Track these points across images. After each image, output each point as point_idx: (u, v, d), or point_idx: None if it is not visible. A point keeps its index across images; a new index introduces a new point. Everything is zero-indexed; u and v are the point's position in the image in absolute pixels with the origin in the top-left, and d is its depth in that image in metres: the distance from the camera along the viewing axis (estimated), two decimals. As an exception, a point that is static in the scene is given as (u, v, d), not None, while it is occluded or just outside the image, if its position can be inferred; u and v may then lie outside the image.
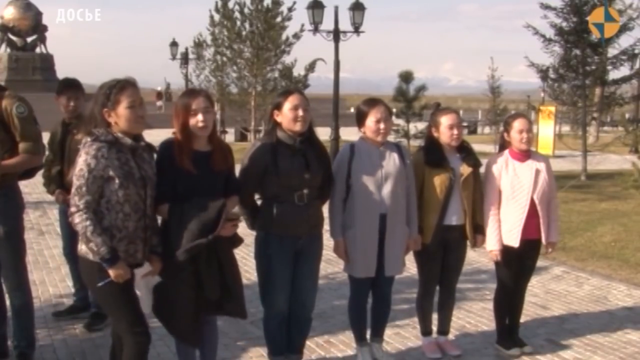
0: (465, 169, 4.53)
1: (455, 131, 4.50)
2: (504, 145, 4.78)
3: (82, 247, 3.32)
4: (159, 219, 3.65)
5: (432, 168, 4.50)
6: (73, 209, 3.22)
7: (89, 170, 3.19)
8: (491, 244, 4.62)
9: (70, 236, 5.00)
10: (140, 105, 3.37)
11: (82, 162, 3.22)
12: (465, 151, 4.61)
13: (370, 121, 4.26)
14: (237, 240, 3.86)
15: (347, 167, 4.25)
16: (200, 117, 3.59)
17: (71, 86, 5.12)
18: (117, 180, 3.23)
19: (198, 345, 3.87)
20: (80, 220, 3.20)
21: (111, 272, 3.26)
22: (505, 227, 4.61)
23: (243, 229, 4.14)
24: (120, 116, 3.30)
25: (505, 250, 4.61)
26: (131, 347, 3.37)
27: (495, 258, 4.65)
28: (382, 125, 4.24)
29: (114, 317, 3.47)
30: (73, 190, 3.23)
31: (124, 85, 3.33)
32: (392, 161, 4.29)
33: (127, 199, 3.28)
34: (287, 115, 3.97)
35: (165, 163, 3.62)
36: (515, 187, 4.58)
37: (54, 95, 5.14)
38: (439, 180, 4.47)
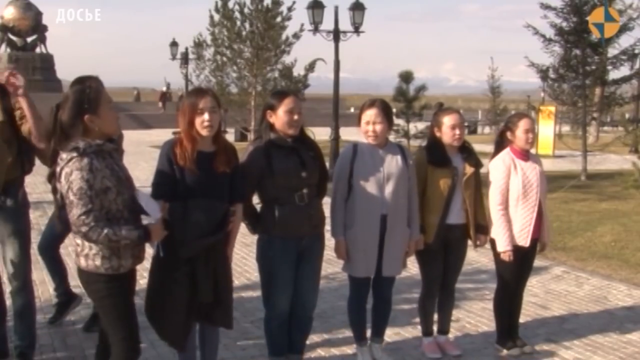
0: (467, 169, 4.54)
1: (457, 131, 4.51)
2: (501, 143, 4.78)
3: (89, 263, 3.22)
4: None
5: (435, 167, 4.50)
6: (84, 229, 3.07)
7: (89, 187, 3.06)
8: (503, 245, 4.60)
9: (52, 235, 5.07)
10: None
11: (79, 179, 3.05)
12: (466, 151, 4.62)
13: (362, 122, 4.29)
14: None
15: (350, 167, 4.25)
16: (206, 116, 3.59)
17: None
18: (113, 190, 3.15)
19: (183, 350, 3.85)
20: (98, 235, 3.08)
21: (154, 238, 3.29)
22: (516, 228, 4.61)
23: (242, 228, 4.15)
24: (104, 119, 3.18)
25: (514, 251, 4.61)
26: (119, 359, 3.34)
27: (508, 259, 4.62)
28: (370, 128, 4.25)
29: (112, 327, 3.34)
30: (78, 210, 3.06)
31: (99, 87, 3.20)
32: (394, 162, 4.29)
33: (125, 204, 3.22)
34: (281, 118, 3.96)
35: (166, 164, 3.62)
36: (527, 187, 4.59)
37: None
38: (442, 180, 4.48)
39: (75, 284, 5.02)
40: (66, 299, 5.31)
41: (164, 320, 3.72)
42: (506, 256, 4.61)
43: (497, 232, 4.62)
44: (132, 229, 3.17)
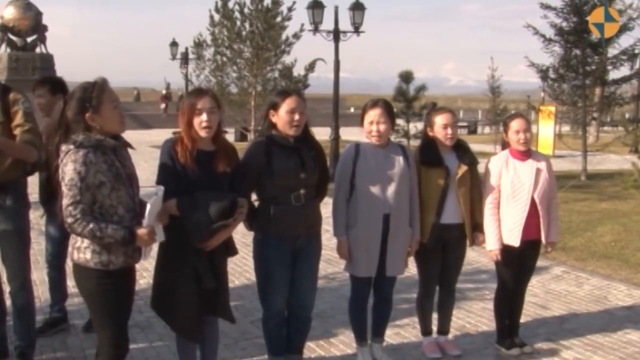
0: (460, 168, 4.54)
1: (449, 130, 4.52)
2: (505, 145, 4.80)
3: (80, 256, 3.26)
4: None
5: (427, 167, 4.51)
6: (70, 220, 3.13)
7: (80, 179, 3.12)
8: (491, 244, 4.62)
9: (58, 243, 5.01)
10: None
11: (72, 171, 3.12)
12: (461, 150, 4.62)
13: (365, 122, 4.30)
14: (231, 249, 3.88)
15: (352, 167, 4.25)
16: (204, 117, 3.60)
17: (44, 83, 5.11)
18: (108, 185, 3.19)
19: (197, 341, 3.88)
20: (82, 228, 3.13)
21: (139, 244, 3.25)
22: (505, 227, 4.61)
23: (242, 229, 4.15)
24: (105, 118, 3.24)
25: (506, 250, 4.61)
26: (107, 358, 3.36)
27: (495, 258, 4.65)
28: (373, 128, 4.26)
29: (99, 324, 3.37)
30: (66, 201, 3.13)
31: (103, 86, 3.27)
32: (396, 162, 4.29)
33: (120, 201, 3.24)
34: (283, 118, 3.96)
35: (169, 161, 3.63)
36: (515, 186, 4.58)
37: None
38: (434, 180, 4.49)
39: (72, 284, 5.01)
40: (61, 316, 5.19)
41: (176, 313, 3.74)
42: (493, 255, 4.64)
43: (486, 231, 4.63)
44: (118, 229, 3.17)
